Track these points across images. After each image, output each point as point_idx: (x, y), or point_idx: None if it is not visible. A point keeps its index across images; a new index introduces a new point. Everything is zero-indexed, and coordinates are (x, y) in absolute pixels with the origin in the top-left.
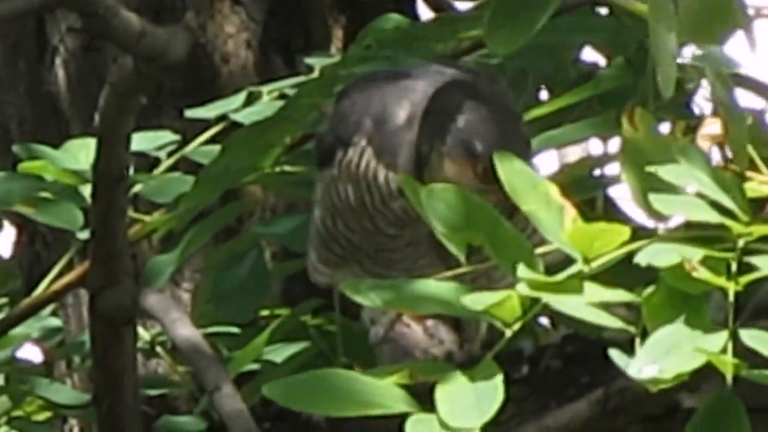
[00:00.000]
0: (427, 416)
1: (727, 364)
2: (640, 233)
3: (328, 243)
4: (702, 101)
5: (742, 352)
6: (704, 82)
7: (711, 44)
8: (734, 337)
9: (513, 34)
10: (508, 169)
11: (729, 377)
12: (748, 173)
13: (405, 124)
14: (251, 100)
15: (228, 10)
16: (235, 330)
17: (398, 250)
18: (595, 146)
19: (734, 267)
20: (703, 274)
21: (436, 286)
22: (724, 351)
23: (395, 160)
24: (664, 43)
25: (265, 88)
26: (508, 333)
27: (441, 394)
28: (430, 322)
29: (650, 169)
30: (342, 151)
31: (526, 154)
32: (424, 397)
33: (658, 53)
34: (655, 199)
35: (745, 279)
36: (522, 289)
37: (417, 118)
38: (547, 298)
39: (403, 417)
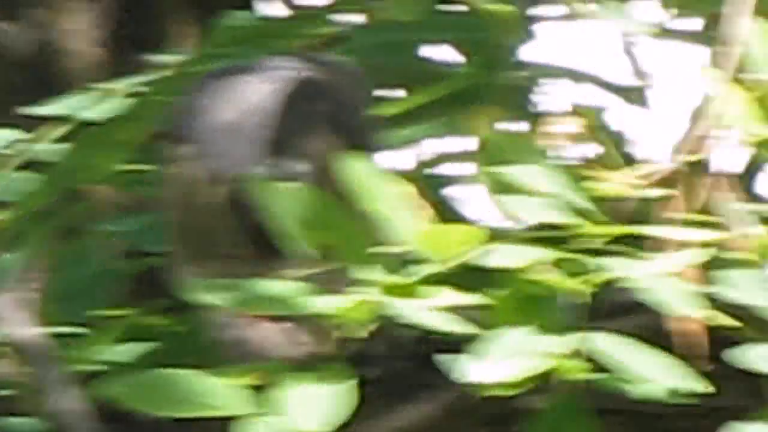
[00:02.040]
0: (271, 419)
1: (573, 369)
2: (494, 233)
3: (176, 238)
4: (552, 99)
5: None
6: (558, 82)
7: None
8: (584, 341)
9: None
10: (357, 168)
11: (575, 382)
12: (600, 172)
13: (231, 132)
14: (102, 97)
15: (80, 7)
16: (80, 330)
17: (241, 246)
18: (448, 145)
19: (586, 269)
20: (552, 277)
21: (285, 288)
22: (571, 355)
23: (217, 167)
24: None
25: (116, 86)
26: (360, 336)
27: (290, 396)
28: (285, 322)
29: (502, 169)
30: (170, 151)
31: (373, 151)
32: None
33: None
34: (506, 201)
35: (595, 281)
36: (372, 293)
37: (247, 125)
38: (393, 302)
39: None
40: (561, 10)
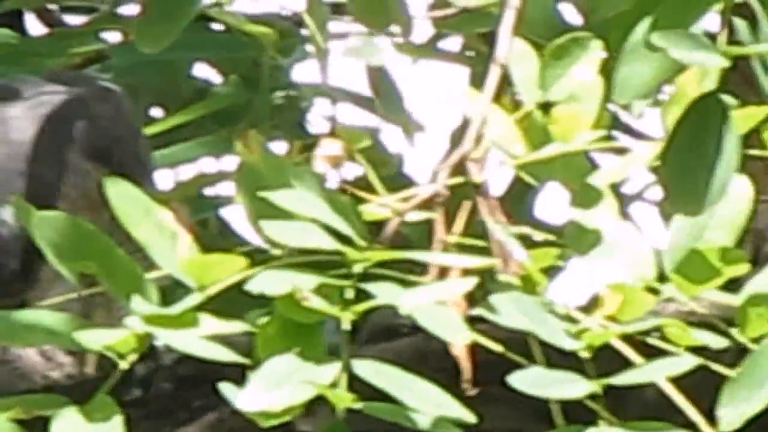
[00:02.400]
0: None
1: (340, 397)
2: (257, 256)
3: None
4: (318, 120)
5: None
6: (321, 101)
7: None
8: (349, 367)
9: (161, 33)
10: (117, 193)
11: (340, 410)
12: (367, 195)
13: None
14: None
15: None
16: None
17: None
18: (208, 165)
19: (350, 294)
20: (315, 303)
21: (49, 318)
22: (337, 382)
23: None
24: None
25: None
26: (123, 365)
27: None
28: (47, 345)
29: (263, 194)
30: None
31: (144, 175)
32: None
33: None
34: (267, 225)
35: (360, 307)
36: (136, 324)
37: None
38: (160, 332)
39: None
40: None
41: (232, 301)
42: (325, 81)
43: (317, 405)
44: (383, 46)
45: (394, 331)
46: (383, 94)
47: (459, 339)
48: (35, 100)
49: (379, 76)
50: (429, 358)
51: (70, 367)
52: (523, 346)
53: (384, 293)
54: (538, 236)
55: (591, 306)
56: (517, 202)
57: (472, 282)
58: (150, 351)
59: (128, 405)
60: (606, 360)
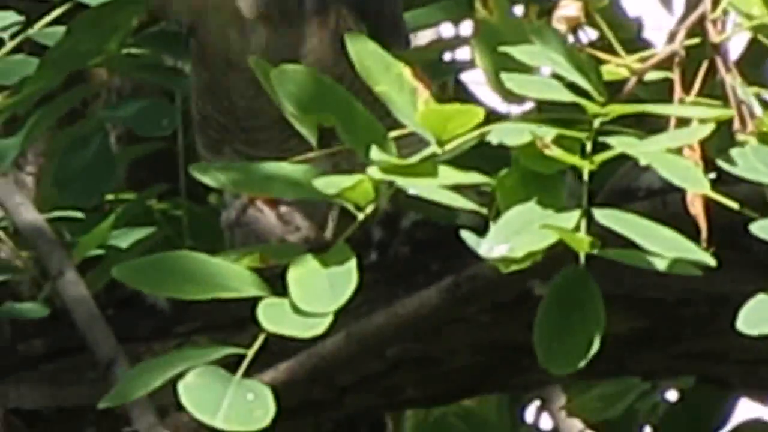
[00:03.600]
0: (278, 300)
1: (580, 241)
2: (493, 117)
3: (203, 126)
4: None
5: (596, 235)
6: None
7: None
8: (588, 218)
9: None
10: (359, 49)
11: (582, 255)
12: (605, 56)
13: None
14: None
15: None
16: (79, 215)
17: (264, 129)
18: (446, 29)
19: (589, 146)
20: (555, 152)
21: (288, 168)
22: (576, 229)
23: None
24: None
25: None
26: (361, 217)
27: (293, 278)
28: (284, 208)
29: (504, 49)
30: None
31: (398, 42)
32: (275, 283)
33: None
34: (508, 78)
35: (599, 157)
36: (374, 172)
37: None
38: (399, 180)
39: (253, 302)
40: None
41: (472, 161)
42: None
43: (554, 267)
44: None
45: (630, 194)
46: None
47: (697, 187)
48: None
49: None
50: (665, 221)
51: (308, 231)
52: (759, 210)
53: (622, 144)
54: None
55: None
56: (754, 64)
57: (709, 128)
58: (388, 216)
59: (365, 269)
60: None
